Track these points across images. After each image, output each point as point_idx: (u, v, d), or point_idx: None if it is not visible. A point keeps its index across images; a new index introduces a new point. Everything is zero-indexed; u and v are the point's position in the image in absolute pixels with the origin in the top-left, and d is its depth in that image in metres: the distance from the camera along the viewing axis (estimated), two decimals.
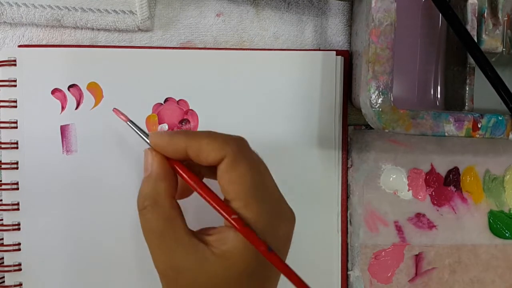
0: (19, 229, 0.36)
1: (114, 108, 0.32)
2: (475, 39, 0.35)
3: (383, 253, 0.40)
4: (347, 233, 0.39)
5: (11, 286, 0.36)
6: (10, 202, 0.36)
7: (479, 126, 0.33)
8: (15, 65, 0.36)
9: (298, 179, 0.38)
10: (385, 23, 0.32)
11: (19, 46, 0.37)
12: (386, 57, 0.32)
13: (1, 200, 0.37)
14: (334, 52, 0.38)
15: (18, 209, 0.36)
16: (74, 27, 0.38)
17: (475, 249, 0.40)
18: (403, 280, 0.40)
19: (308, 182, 0.38)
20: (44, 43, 0.38)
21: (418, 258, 0.40)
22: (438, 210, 0.40)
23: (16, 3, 0.36)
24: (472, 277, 0.40)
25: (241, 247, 0.27)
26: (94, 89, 0.37)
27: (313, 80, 0.38)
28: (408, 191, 0.40)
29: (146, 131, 0.33)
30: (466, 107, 0.36)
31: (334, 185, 0.39)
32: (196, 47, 0.39)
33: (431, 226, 0.40)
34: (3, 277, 0.36)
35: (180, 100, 0.38)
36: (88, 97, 0.37)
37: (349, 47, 0.40)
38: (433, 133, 0.33)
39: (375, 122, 0.32)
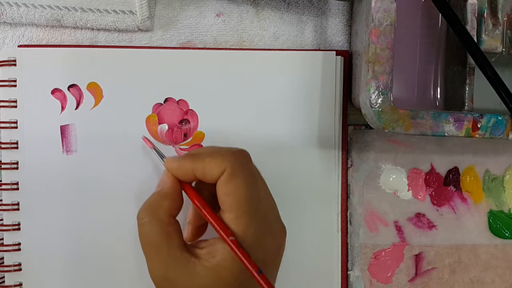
0: (19, 229, 0.36)
1: (143, 136, 0.36)
2: (475, 39, 0.35)
3: (383, 253, 0.40)
4: (347, 233, 0.39)
5: (11, 286, 0.36)
6: (10, 202, 0.36)
7: (479, 126, 0.33)
8: (15, 65, 0.36)
9: (298, 179, 0.38)
10: (385, 23, 0.32)
11: (19, 46, 0.37)
12: (386, 57, 0.32)
13: (1, 200, 0.37)
14: (334, 52, 0.38)
15: (18, 209, 0.36)
16: (74, 27, 0.38)
17: (475, 249, 0.40)
18: (403, 280, 0.40)
19: (308, 182, 0.38)
20: (44, 43, 0.38)
21: (418, 258, 0.40)
22: (438, 210, 0.40)
23: (16, 3, 0.36)
24: (472, 277, 0.40)
25: (229, 259, 0.29)
26: (94, 89, 0.37)
27: (313, 80, 0.38)
28: (408, 191, 0.40)
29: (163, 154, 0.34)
30: (466, 107, 0.36)
31: (334, 185, 0.39)
32: (196, 47, 0.39)
33: (431, 226, 0.40)
34: (3, 277, 0.36)
35: (180, 100, 0.38)
36: (88, 97, 0.37)
37: (349, 47, 0.40)
38: (433, 133, 0.33)
39: (375, 122, 0.32)
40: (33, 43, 0.38)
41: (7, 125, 0.36)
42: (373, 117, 0.32)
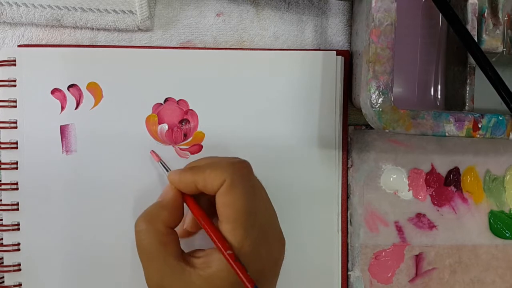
0: (18, 229, 0.36)
1: (152, 151, 0.36)
2: (476, 39, 0.35)
3: (383, 253, 0.40)
4: (347, 233, 0.39)
5: (10, 286, 0.36)
6: (9, 202, 0.36)
7: (480, 126, 0.33)
8: (14, 65, 0.36)
9: (298, 179, 0.38)
10: (385, 23, 0.32)
11: (19, 46, 0.37)
12: (387, 57, 0.32)
13: (0, 200, 0.37)
14: (334, 52, 0.38)
15: (17, 209, 0.36)
16: (73, 27, 0.38)
17: (475, 249, 0.40)
18: (404, 280, 0.40)
19: (308, 182, 0.38)
20: (43, 43, 0.38)
21: (418, 258, 0.40)
22: (438, 210, 0.40)
23: (16, 3, 0.36)
24: (472, 277, 0.40)
25: (225, 270, 0.29)
26: (94, 89, 0.37)
27: (313, 80, 0.38)
28: (409, 191, 0.40)
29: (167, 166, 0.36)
30: (467, 107, 0.36)
31: (334, 185, 0.39)
32: (196, 47, 0.39)
33: (431, 226, 0.40)
34: (3, 277, 0.36)
35: (180, 100, 0.37)
36: (87, 97, 0.37)
37: (349, 47, 0.40)
38: (433, 133, 0.33)
39: (375, 122, 0.32)
40: (33, 43, 0.38)
41: (7, 125, 0.36)
42: (374, 117, 0.32)
